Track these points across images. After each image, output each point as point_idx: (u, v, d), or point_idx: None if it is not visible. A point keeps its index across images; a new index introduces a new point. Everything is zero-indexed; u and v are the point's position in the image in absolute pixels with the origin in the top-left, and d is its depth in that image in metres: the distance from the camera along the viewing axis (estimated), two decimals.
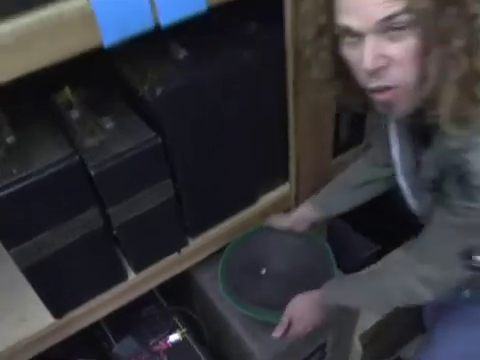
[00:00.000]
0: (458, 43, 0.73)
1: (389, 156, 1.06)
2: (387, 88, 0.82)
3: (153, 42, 1.02)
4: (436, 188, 0.89)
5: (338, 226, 1.54)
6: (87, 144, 1.09)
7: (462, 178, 0.80)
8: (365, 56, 0.78)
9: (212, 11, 0.97)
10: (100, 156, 1.06)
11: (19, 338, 1.19)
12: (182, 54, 1.15)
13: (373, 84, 0.82)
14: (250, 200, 1.42)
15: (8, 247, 1.04)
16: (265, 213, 1.44)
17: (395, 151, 1.03)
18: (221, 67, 1.14)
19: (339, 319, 1.46)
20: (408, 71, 0.79)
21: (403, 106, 0.84)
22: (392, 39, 0.76)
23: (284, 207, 1.48)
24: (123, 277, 1.27)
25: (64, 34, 0.84)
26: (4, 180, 0.96)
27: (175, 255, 1.32)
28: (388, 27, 0.75)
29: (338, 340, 1.55)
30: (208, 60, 1.14)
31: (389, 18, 0.74)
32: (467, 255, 0.88)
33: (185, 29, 0.98)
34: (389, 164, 1.11)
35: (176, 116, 1.11)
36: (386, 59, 0.78)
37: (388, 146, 1.05)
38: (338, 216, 1.41)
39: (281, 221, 1.43)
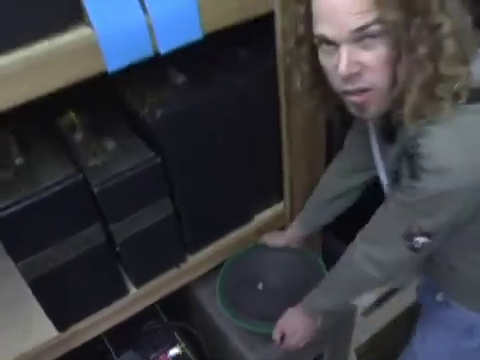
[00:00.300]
0: (424, 50, 0.80)
1: (369, 158, 1.13)
2: (361, 91, 0.87)
3: (152, 67, 1.08)
4: (398, 178, 0.94)
5: (331, 241, 1.60)
6: (90, 164, 1.16)
7: (411, 159, 0.86)
8: (340, 63, 0.84)
9: (207, 38, 1.04)
10: (103, 175, 1.12)
11: (24, 350, 1.24)
12: (180, 79, 1.23)
13: (348, 87, 0.88)
14: (246, 218, 1.48)
15: (16, 260, 1.10)
16: (260, 231, 1.50)
17: (376, 151, 1.09)
18: (217, 92, 1.21)
19: (335, 332, 1.51)
20: (380, 76, 0.85)
21: (375, 108, 0.90)
22: (365, 47, 0.83)
23: (279, 225, 1.54)
24: (124, 292, 1.33)
25: (71, 61, 0.92)
26: (14, 198, 1.03)
27: (174, 270, 1.38)
28: (361, 36, 0.82)
29: (334, 353, 1.60)
30: (205, 85, 1.21)
31: (362, 28, 0.81)
32: (409, 236, 0.93)
33: (182, 54, 1.05)
34: (361, 168, 1.22)
35: (174, 137, 1.18)
36: (360, 65, 0.84)
37: (368, 148, 1.12)
38: (332, 231, 1.47)
39: (275, 239, 1.50)
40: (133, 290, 1.34)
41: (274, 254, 1.48)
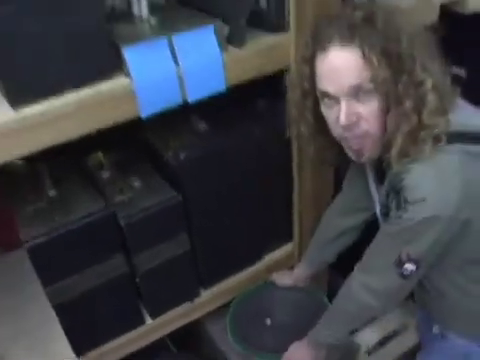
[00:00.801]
0: (409, 104, 0.96)
1: (366, 197, 1.27)
2: (357, 138, 1.03)
3: (174, 113, 1.18)
4: (388, 212, 1.06)
5: (336, 280, 1.68)
6: (117, 200, 1.26)
7: (397, 193, 0.99)
8: (341, 114, 1.00)
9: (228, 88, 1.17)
10: (129, 210, 1.23)
11: None
12: (202, 126, 1.35)
13: (347, 134, 1.03)
14: (257, 257, 1.58)
15: (45, 285, 1.19)
16: (270, 269, 1.59)
17: (373, 189, 1.23)
18: (235, 140, 1.33)
19: None
20: (373, 125, 1.01)
21: (369, 153, 1.06)
22: (360, 101, 0.99)
23: (288, 264, 1.63)
24: (141, 321, 1.41)
25: (110, 106, 1.05)
26: (48, 226, 1.14)
27: (188, 304, 1.46)
28: (357, 92, 0.98)
29: None
30: (224, 133, 1.33)
31: (357, 86, 0.97)
32: (399, 263, 1.04)
33: (203, 103, 1.17)
34: (359, 208, 1.35)
35: (195, 179, 1.29)
36: (356, 116, 1.00)
37: (366, 188, 1.26)
38: (337, 270, 1.56)
39: (284, 279, 1.60)
40: (149, 320, 1.42)
41: (282, 292, 1.58)
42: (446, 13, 1.49)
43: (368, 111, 0.99)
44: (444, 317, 1.26)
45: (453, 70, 1.77)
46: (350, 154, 1.09)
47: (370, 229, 1.22)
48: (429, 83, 0.96)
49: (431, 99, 0.96)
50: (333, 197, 1.51)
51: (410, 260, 1.03)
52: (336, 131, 1.06)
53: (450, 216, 0.97)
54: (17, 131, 0.97)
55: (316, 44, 1.02)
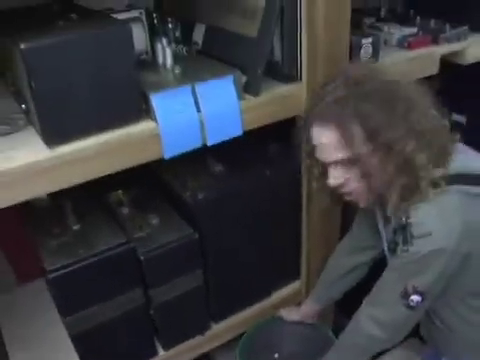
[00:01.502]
0: (391, 169, 1.06)
1: (374, 236, 1.37)
2: (348, 195, 1.18)
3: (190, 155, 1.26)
4: (395, 248, 1.15)
5: (341, 318, 1.73)
6: (136, 235, 1.34)
7: (404, 229, 1.08)
8: (329, 178, 1.15)
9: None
10: (148, 245, 1.31)
11: None
12: (218, 168, 1.44)
13: (339, 191, 1.18)
14: (265, 294, 1.64)
15: (65, 315, 1.26)
16: (278, 306, 1.65)
17: (381, 227, 1.31)
18: (249, 181, 1.42)
19: None
20: (359, 187, 1.14)
21: (362, 203, 1.20)
22: (344, 168, 1.12)
23: (295, 301, 1.69)
24: (154, 353, 1.47)
25: (137, 148, 1.13)
26: (72, 258, 1.21)
27: (199, 337, 1.52)
28: (340, 163, 1.11)
29: None
30: (239, 175, 1.42)
31: (338, 161, 1.11)
32: (406, 295, 1.12)
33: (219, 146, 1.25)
34: (367, 246, 1.43)
35: (211, 218, 1.37)
36: (343, 179, 1.14)
37: (373, 227, 1.35)
38: (342, 310, 1.62)
39: (291, 314, 1.65)
40: (161, 352, 1.48)
41: (290, 326, 1.63)
42: (446, 64, 1.58)
43: (353, 176, 1.12)
44: (451, 349, 1.32)
45: (454, 117, 1.89)
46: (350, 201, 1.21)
47: (376, 270, 1.29)
48: (411, 146, 1.05)
49: (418, 158, 1.05)
50: (340, 238, 1.58)
51: (416, 292, 1.10)
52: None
53: (453, 249, 1.05)
54: (51, 168, 1.05)
55: (306, 122, 1.18)
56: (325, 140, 1.10)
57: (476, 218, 1.08)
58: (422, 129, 1.06)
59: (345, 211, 1.63)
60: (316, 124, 1.12)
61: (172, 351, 1.49)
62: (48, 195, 1.43)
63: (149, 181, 1.56)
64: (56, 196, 1.38)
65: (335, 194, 1.23)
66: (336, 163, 1.12)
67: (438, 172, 1.07)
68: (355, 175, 1.12)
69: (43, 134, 1.07)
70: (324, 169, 1.19)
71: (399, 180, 1.07)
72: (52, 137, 1.07)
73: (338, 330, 1.38)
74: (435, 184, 1.06)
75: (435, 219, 1.06)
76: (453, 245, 1.05)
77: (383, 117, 1.05)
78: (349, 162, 1.09)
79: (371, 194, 1.15)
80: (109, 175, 1.14)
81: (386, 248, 1.29)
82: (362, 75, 1.11)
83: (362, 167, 1.09)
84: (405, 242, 1.08)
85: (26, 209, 1.45)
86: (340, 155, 1.09)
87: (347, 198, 1.19)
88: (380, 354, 1.69)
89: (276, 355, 1.64)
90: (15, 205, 1.05)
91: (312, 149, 1.18)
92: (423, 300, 1.12)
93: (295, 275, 1.69)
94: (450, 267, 1.09)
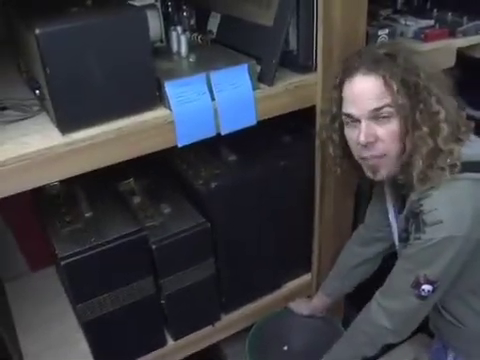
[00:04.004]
0: (426, 129, 1.07)
1: (385, 228, 1.37)
2: (375, 158, 1.13)
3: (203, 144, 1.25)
4: (407, 237, 1.15)
5: (351, 310, 1.73)
6: (148, 224, 1.34)
7: (416, 217, 1.09)
8: (360, 134, 1.11)
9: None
10: (160, 234, 1.30)
11: None
12: (231, 158, 1.43)
13: (365, 154, 1.14)
14: (276, 285, 1.64)
15: (76, 302, 1.26)
16: (288, 298, 1.65)
17: (392, 218, 1.31)
18: (262, 171, 1.41)
19: None
20: (390, 147, 1.11)
21: (385, 171, 1.16)
22: (379, 123, 1.10)
23: (306, 294, 1.68)
24: (163, 343, 1.47)
25: (150, 135, 1.13)
26: (85, 245, 1.21)
27: (209, 327, 1.52)
28: (377, 115, 1.09)
29: None
30: (252, 165, 1.41)
31: (377, 109, 1.09)
32: (417, 285, 1.11)
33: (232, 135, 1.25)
34: (380, 238, 1.43)
35: (223, 207, 1.36)
36: (374, 137, 1.11)
37: (384, 214, 1.34)
38: (352, 303, 1.61)
39: (301, 308, 1.65)
40: (171, 342, 1.48)
41: (299, 319, 1.63)
42: (463, 57, 1.57)
43: (386, 133, 1.10)
44: (460, 343, 1.31)
45: (468, 111, 1.87)
46: (367, 173, 1.19)
47: (388, 264, 1.28)
48: (442, 114, 1.07)
49: (444, 127, 1.07)
50: (351, 232, 1.58)
51: (427, 281, 1.10)
52: (356, 151, 1.17)
53: (464, 236, 1.05)
54: (65, 154, 1.05)
55: (345, 73, 1.15)
56: (371, 85, 1.09)
57: None
58: (447, 105, 1.09)
59: (357, 205, 1.62)
60: (361, 72, 1.10)
61: (181, 341, 1.48)
62: (60, 182, 1.43)
63: (161, 170, 1.55)
64: (67, 183, 1.38)
65: (349, 162, 1.24)
66: (371, 116, 1.09)
67: (454, 149, 1.08)
68: (388, 133, 1.10)
69: (57, 120, 1.07)
70: (343, 134, 1.20)
71: (428, 143, 1.07)
72: (66, 123, 1.07)
73: (348, 324, 1.38)
74: (452, 166, 1.07)
75: (447, 206, 1.06)
76: (465, 232, 1.05)
77: (425, 78, 1.08)
78: (387, 114, 1.08)
79: (397, 159, 1.12)
80: (120, 163, 1.14)
81: (397, 239, 1.29)
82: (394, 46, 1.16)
83: (398, 122, 1.08)
84: (417, 230, 1.08)
85: (38, 196, 1.45)
86: (382, 103, 1.08)
87: (370, 162, 1.15)
88: (388, 349, 1.69)
89: (285, 347, 1.63)
90: (26, 192, 1.05)
91: (340, 105, 1.17)
92: (434, 290, 1.11)
93: (306, 268, 1.68)
94: (462, 254, 1.08)
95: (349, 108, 1.14)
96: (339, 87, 1.16)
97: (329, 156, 1.30)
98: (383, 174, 1.16)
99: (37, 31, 0.96)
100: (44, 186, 1.14)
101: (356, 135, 1.13)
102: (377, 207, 1.42)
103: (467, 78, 1.30)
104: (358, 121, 1.12)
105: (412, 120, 1.07)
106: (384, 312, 1.20)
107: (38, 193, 1.39)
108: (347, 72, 1.14)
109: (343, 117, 1.17)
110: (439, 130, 1.07)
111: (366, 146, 1.12)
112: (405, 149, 1.10)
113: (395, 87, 1.06)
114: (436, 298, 1.17)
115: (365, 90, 1.10)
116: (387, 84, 1.07)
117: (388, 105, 1.08)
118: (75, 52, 1.01)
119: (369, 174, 1.19)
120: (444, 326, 1.31)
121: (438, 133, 1.07)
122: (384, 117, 1.09)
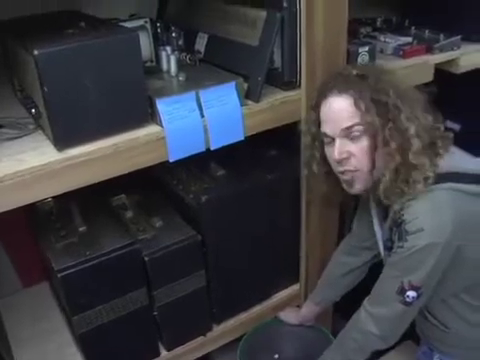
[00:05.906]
0: (394, 145, 1.13)
1: (372, 238, 1.41)
2: (349, 171, 1.20)
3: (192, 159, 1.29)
4: (391, 246, 1.20)
5: (340, 323, 1.77)
6: (141, 237, 1.38)
7: (399, 227, 1.14)
8: (335, 151, 1.18)
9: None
10: (152, 247, 1.34)
11: None
12: (220, 172, 1.48)
13: (340, 169, 1.21)
14: (265, 296, 1.68)
15: (73, 314, 1.28)
16: (278, 308, 1.69)
17: (377, 228, 1.36)
18: (250, 185, 1.46)
19: None
20: (362, 162, 1.17)
21: (359, 185, 1.22)
22: (352, 140, 1.17)
23: (295, 304, 1.72)
24: (156, 353, 1.49)
25: (143, 151, 1.17)
26: (80, 258, 1.24)
27: (201, 338, 1.55)
28: (348, 133, 1.16)
29: None
30: (240, 179, 1.46)
31: (348, 128, 1.16)
32: (402, 291, 1.16)
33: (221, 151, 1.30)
34: (366, 247, 1.48)
35: (213, 220, 1.41)
36: (347, 153, 1.17)
37: (370, 224, 1.39)
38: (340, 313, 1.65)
39: (290, 317, 1.69)
40: (164, 352, 1.51)
41: (289, 328, 1.68)
42: (441, 72, 1.64)
43: (357, 150, 1.17)
44: (445, 346, 1.36)
45: (447, 124, 1.94)
46: (344, 186, 1.25)
47: (375, 273, 1.32)
48: (412, 130, 1.13)
49: (415, 142, 1.13)
50: (337, 243, 1.63)
51: (412, 287, 1.15)
52: (334, 167, 1.24)
53: (445, 243, 1.10)
54: (60, 170, 1.08)
55: (320, 95, 1.22)
56: (341, 105, 1.16)
57: (467, 212, 1.13)
58: (420, 120, 1.15)
59: (343, 215, 1.67)
60: (333, 94, 1.17)
61: (174, 352, 1.51)
62: (53, 198, 1.46)
63: (152, 185, 1.60)
64: (60, 200, 1.42)
65: (332, 178, 1.28)
66: (344, 134, 1.16)
67: (426, 164, 1.13)
68: (360, 149, 1.16)
69: (54, 137, 1.11)
70: (323, 152, 1.25)
71: (395, 159, 1.13)
72: (62, 140, 1.11)
73: (336, 333, 1.42)
74: (426, 179, 1.12)
75: (427, 215, 1.11)
76: (446, 239, 1.10)
77: (395, 96, 1.13)
78: (358, 132, 1.14)
79: (369, 174, 1.18)
80: (112, 179, 1.18)
81: (382, 247, 1.34)
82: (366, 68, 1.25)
83: (369, 139, 1.15)
84: (400, 239, 1.13)
85: (31, 213, 1.49)
86: (351, 122, 1.14)
87: (346, 177, 1.21)
88: (375, 357, 1.73)
89: (276, 356, 1.67)
90: (19, 209, 1.08)
91: (319, 125, 1.23)
92: (419, 296, 1.16)
93: (294, 278, 1.72)
94: (443, 260, 1.13)
95: (324, 128, 1.21)
96: (316, 108, 1.24)
97: (313, 174, 1.35)
98: (358, 188, 1.22)
99: (35, 52, 1.01)
100: (37, 202, 1.17)
101: (332, 152, 1.20)
102: (363, 217, 1.47)
103: (445, 92, 1.38)
104: (333, 139, 1.19)
105: (382, 137, 1.14)
106: (372, 318, 1.24)
107: (31, 209, 1.43)
108: (322, 94, 1.21)
109: (322, 136, 1.24)
110: (410, 145, 1.13)
111: (341, 162, 1.19)
112: (374, 165, 1.17)
113: (363, 107, 1.13)
114: (420, 303, 1.21)
115: (336, 110, 1.18)
116: (356, 104, 1.14)
117: (358, 124, 1.15)
118: (71, 71, 1.05)
119: (346, 187, 1.25)
120: (430, 330, 1.36)
121: (409, 148, 1.13)
122: (355, 135, 1.16)
